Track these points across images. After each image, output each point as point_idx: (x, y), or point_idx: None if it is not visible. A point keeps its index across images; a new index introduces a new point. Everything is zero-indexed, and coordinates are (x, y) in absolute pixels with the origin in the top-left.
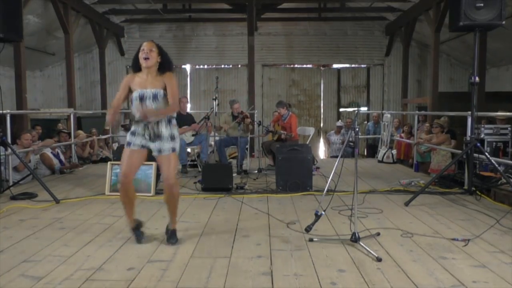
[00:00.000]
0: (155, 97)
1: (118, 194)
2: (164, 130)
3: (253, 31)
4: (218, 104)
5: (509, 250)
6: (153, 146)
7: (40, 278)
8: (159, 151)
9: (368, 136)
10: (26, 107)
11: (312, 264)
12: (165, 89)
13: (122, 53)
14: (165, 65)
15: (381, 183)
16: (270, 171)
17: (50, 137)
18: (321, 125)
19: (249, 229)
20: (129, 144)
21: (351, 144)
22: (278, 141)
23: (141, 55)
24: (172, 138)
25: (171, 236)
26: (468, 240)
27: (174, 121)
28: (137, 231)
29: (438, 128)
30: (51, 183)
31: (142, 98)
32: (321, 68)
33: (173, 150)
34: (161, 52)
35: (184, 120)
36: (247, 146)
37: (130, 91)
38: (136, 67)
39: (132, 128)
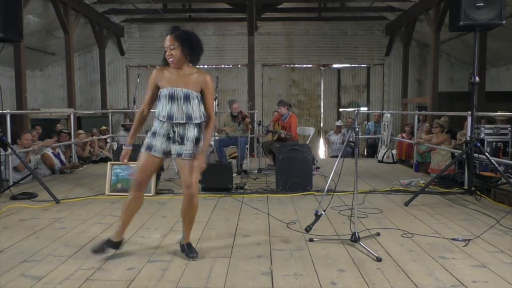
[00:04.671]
0: (186, 98)
1: (118, 194)
2: (191, 132)
3: (253, 31)
4: (218, 104)
5: (509, 250)
6: (174, 148)
7: (40, 278)
8: (179, 154)
9: (369, 136)
10: (26, 107)
11: (312, 264)
12: (199, 92)
13: (122, 53)
14: (194, 56)
15: (381, 183)
16: (270, 171)
17: (50, 137)
18: (321, 125)
19: (249, 229)
20: (149, 148)
21: (352, 144)
22: (278, 141)
23: (166, 54)
24: (197, 141)
25: (190, 250)
26: (469, 240)
27: (203, 127)
28: (110, 245)
29: (438, 128)
30: (51, 183)
31: (172, 97)
32: (321, 68)
33: (194, 156)
34: (184, 44)
35: None
36: (247, 146)
37: (157, 88)
38: (164, 61)
39: (154, 127)
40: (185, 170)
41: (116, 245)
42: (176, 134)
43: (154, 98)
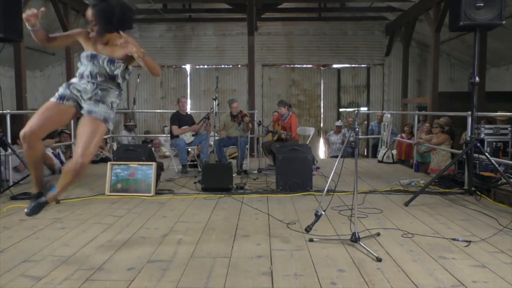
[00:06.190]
0: (111, 61)
1: (118, 194)
2: (109, 96)
3: (253, 31)
4: (218, 104)
5: (509, 250)
6: (86, 105)
7: (40, 278)
8: (89, 111)
9: (372, 136)
10: (26, 107)
11: (312, 264)
12: (124, 57)
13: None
14: (118, 25)
15: (381, 183)
16: (270, 171)
17: (51, 137)
18: (321, 125)
19: (249, 229)
20: (61, 97)
21: (352, 144)
22: (278, 141)
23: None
24: (111, 106)
25: (37, 204)
26: (469, 241)
27: (121, 94)
28: (39, 199)
29: (438, 128)
30: (51, 183)
31: (94, 57)
32: (321, 68)
33: (105, 120)
34: (103, 21)
35: (184, 120)
36: (247, 146)
37: (76, 41)
38: None
39: (74, 79)
40: (85, 130)
41: (37, 196)
42: (93, 91)
43: (67, 39)
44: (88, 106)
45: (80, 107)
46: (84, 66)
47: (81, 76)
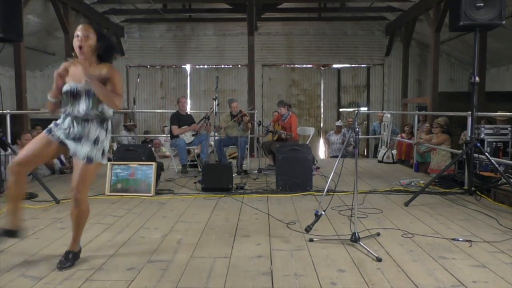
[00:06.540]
0: (88, 93)
1: (118, 194)
2: (92, 131)
3: (253, 31)
4: (218, 104)
5: (509, 250)
6: (71, 145)
7: (40, 278)
8: (73, 154)
9: (374, 136)
10: (26, 107)
11: (312, 264)
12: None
13: (122, 53)
14: (106, 53)
15: (381, 183)
16: (270, 171)
17: None
18: (321, 125)
19: (249, 229)
20: (49, 131)
21: (353, 144)
22: (278, 141)
23: (75, 42)
24: (95, 142)
25: (64, 257)
26: (471, 240)
27: (108, 125)
28: (6, 233)
29: (438, 128)
30: (51, 183)
31: (74, 94)
32: (321, 68)
33: (89, 160)
34: (101, 38)
35: (184, 120)
36: (247, 146)
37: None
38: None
39: (59, 120)
40: (76, 171)
41: (12, 233)
42: (75, 129)
43: (60, 87)
44: (71, 145)
45: (65, 145)
46: (63, 102)
47: (64, 112)
